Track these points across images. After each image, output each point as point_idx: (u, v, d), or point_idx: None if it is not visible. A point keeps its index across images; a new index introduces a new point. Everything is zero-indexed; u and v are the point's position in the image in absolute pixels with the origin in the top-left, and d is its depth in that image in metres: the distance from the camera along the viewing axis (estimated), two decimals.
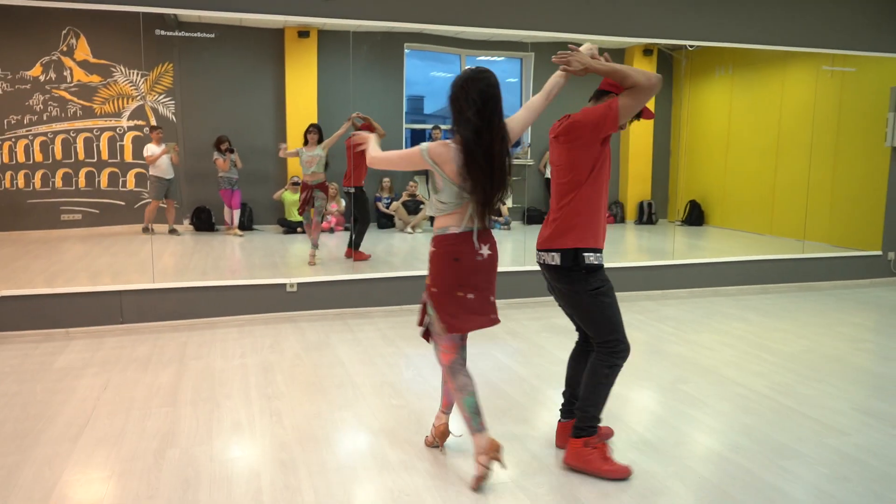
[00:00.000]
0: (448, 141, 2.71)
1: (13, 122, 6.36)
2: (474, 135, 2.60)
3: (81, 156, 6.53)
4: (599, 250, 2.77)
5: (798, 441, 3.18)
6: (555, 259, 2.76)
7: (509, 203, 7.89)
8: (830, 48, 6.57)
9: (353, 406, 3.56)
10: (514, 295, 5.88)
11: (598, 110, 2.65)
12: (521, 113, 2.81)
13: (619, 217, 8.28)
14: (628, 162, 8.21)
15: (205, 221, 6.92)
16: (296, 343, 4.70)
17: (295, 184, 7.00)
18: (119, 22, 5.58)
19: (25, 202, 6.45)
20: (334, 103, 6.82)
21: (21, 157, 6.40)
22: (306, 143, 6.35)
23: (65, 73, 6.38)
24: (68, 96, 6.42)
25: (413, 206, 7.76)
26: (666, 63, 7.75)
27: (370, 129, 6.40)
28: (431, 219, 2.86)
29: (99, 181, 6.59)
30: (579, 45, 2.83)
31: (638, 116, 2.79)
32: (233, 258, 6.69)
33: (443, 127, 7.57)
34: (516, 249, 6.89)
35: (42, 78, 6.35)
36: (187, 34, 6.39)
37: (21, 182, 6.42)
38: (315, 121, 6.63)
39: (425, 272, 2.86)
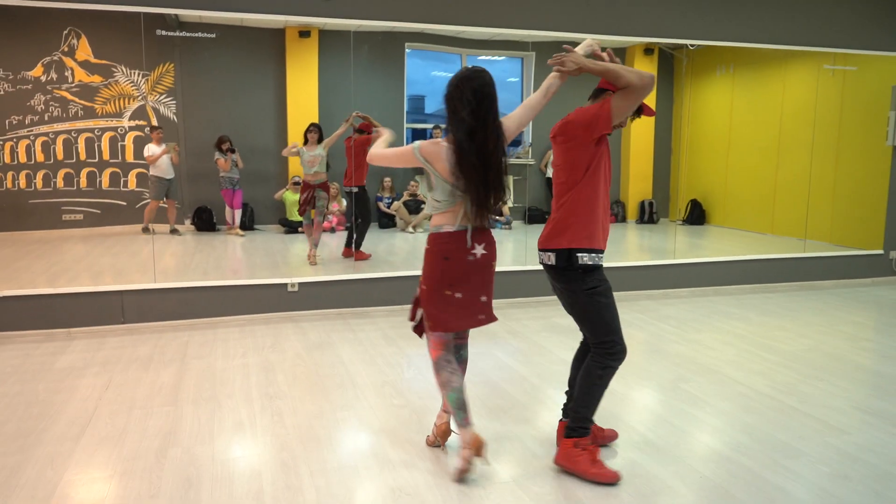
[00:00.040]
0: (440, 139, 2.74)
1: (14, 122, 6.36)
2: (467, 134, 2.63)
3: (83, 156, 6.53)
4: (596, 250, 2.74)
5: (799, 440, 3.18)
6: (551, 259, 2.78)
7: (510, 202, 7.89)
8: (831, 47, 6.56)
9: (355, 406, 3.56)
10: (515, 294, 5.88)
11: (591, 110, 2.65)
12: (517, 111, 2.81)
13: (620, 216, 8.27)
14: (629, 161, 8.21)
15: (206, 221, 6.92)
16: (297, 343, 4.70)
17: (296, 184, 7.00)
18: (120, 22, 5.58)
19: (27, 202, 6.45)
20: (335, 103, 6.82)
21: (22, 158, 6.40)
22: (306, 142, 6.35)
23: (66, 74, 6.38)
24: (69, 96, 6.42)
25: (414, 206, 7.76)
26: (667, 62, 7.74)
27: (369, 127, 6.41)
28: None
29: (100, 181, 6.59)
30: (579, 45, 2.84)
31: (639, 113, 2.79)
32: (234, 258, 6.70)
33: (443, 126, 7.57)
34: (517, 249, 6.89)
35: (43, 78, 6.36)
36: (188, 34, 6.39)
37: (23, 182, 6.42)
38: (316, 120, 6.63)
39: None
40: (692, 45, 6.46)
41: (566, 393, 3.09)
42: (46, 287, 5.02)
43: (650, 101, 2.74)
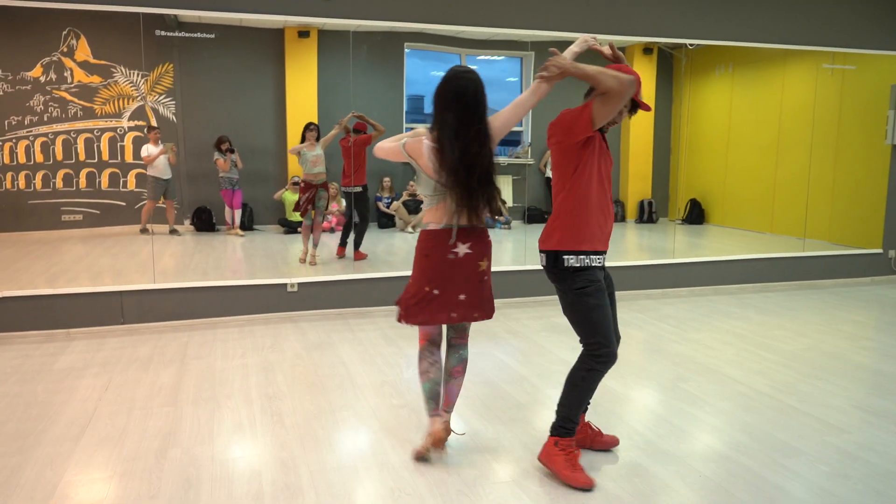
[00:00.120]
0: (423, 136, 2.79)
1: (14, 122, 6.36)
2: (451, 135, 2.67)
3: (82, 156, 6.53)
4: (586, 252, 2.71)
5: (799, 439, 3.18)
6: (543, 260, 2.81)
7: (510, 202, 7.89)
8: (831, 46, 6.56)
9: (354, 406, 3.56)
10: (515, 294, 5.88)
11: (572, 114, 2.65)
12: (505, 111, 2.81)
13: (619, 216, 8.27)
14: (629, 160, 8.21)
15: (205, 222, 6.92)
16: (296, 343, 4.70)
17: (295, 184, 7.00)
18: (119, 22, 5.58)
19: (26, 203, 6.45)
20: (334, 103, 6.81)
21: (22, 158, 6.40)
22: (303, 140, 6.33)
23: (65, 74, 6.38)
24: (69, 97, 6.42)
25: (413, 206, 7.76)
26: (666, 62, 7.75)
27: (364, 127, 6.41)
28: None
29: (100, 182, 6.59)
30: (574, 42, 2.84)
31: (635, 109, 2.77)
32: (233, 258, 6.70)
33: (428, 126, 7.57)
34: (517, 249, 6.89)
35: (42, 79, 6.35)
36: (187, 34, 6.39)
37: (22, 183, 6.42)
38: (315, 120, 6.63)
39: None
40: (691, 45, 6.46)
41: None
42: (46, 288, 5.02)
43: (647, 98, 2.74)
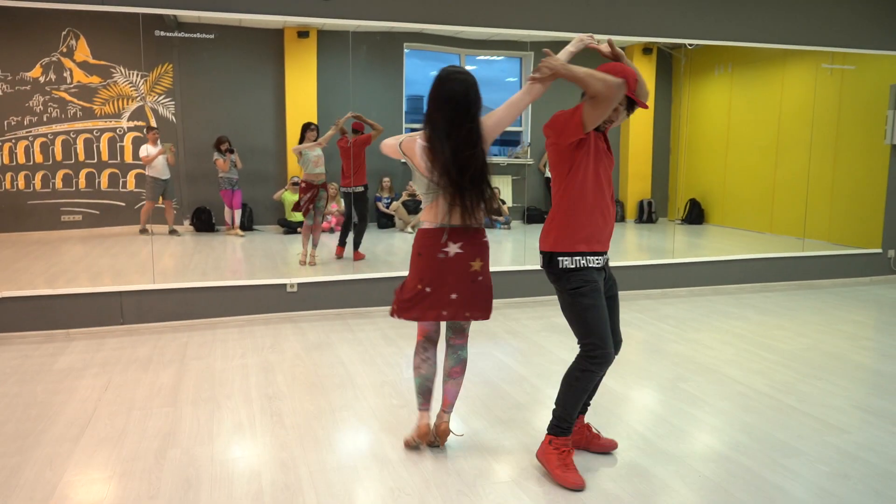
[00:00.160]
0: (417, 135, 2.82)
1: (13, 123, 6.36)
2: (442, 134, 2.70)
3: (81, 157, 6.53)
4: (581, 253, 2.70)
5: (798, 439, 3.18)
6: (541, 260, 2.83)
7: (509, 202, 7.89)
8: (830, 46, 6.57)
9: (354, 406, 3.56)
10: (514, 294, 5.88)
11: (564, 116, 2.65)
12: (499, 110, 2.81)
13: (618, 216, 8.27)
14: (628, 160, 8.21)
15: (205, 222, 6.92)
16: (296, 343, 4.70)
17: (295, 184, 7.00)
18: (119, 23, 5.58)
19: (26, 203, 6.45)
20: (334, 103, 6.81)
21: (21, 159, 6.40)
22: (302, 140, 6.33)
23: (65, 75, 6.38)
24: (68, 97, 6.42)
25: (413, 206, 7.76)
26: (665, 62, 7.75)
27: (362, 126, 6.41)
28: None
29: (99, 182, 6.59)
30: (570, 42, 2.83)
31: (633, 107, 2.75)
32: (233, 258, 6.70)
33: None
34: (516, 249, 6.90)
35: (42, 79, 6.35)
36: (187, 35, 6.39)
37: (21, 183, 6.42)
38: (315, 120, 6.63)
39: None
40: (691, 45, 6.46)
41: None
42: (45, 288, 5.02)
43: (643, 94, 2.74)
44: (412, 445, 3.05)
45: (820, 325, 5.29)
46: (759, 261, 6.68)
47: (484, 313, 2.93)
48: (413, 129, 7.91)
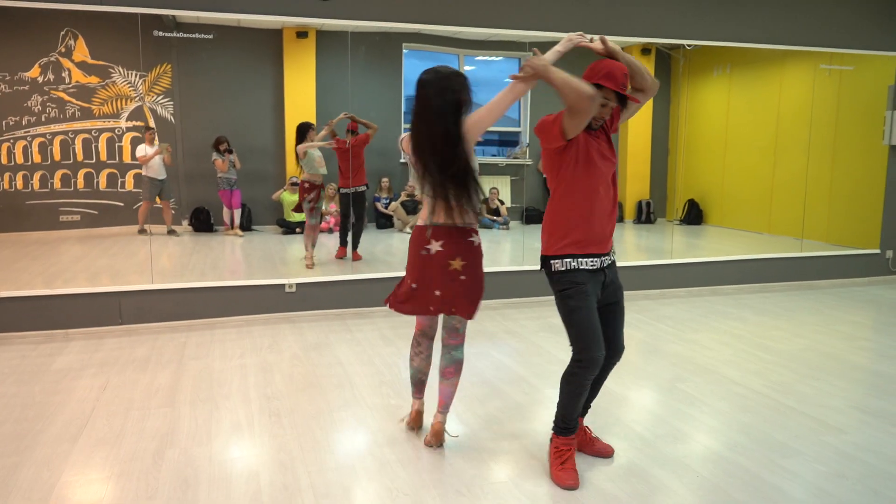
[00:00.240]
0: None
1: (11, 123, 6.36)
2: (423, 135, 2.74)
3: (80, 157, 6.53)
4: (572, 255, 2.69)
5: (796, 439, 3.19)
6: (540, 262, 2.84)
7: (508, 203, 7.89)
8: (829, 47, 6.57)
9: (352, 406, 3.56)
10: (513, 294, 5.88)
11: (547, 122, 2.64)
12: (481, 109, 2.79)
13: (617, 216, 8.28)
14: (626, 161, 8.22)
15: (203, 222, 6.92)
16: (294, 343, 4.70)
17: (294, 184, 7.00)
18: (117, 23, 5.58)
19: (24, 203, 6.45)
20: (333, 103, 6.81)
21: (19, 159, 6.40)
22: (302, 140, 6.32)
23: (63, 75, 6.38)
24: (66, 97, 6.42)
25: (412, 206, 7.76)
26: (664, 62, 7.76)
27: (356, 127, 6.42)
28: None
29: (97, 182, 6.59)
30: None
31: (624, 103, 2.73)
32: (231, 259, 6.70)
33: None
34: (515, 249, 6.90)
35: (40, 79, 6.35)
36: (185, 35, 6.38)
37: (20, 183, 6.42)
38: (314, 121, 6.63)
39: None
40: (689, 46, 6.47)
41: None
42: (44, 288, 5.01)
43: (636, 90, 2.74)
44: (410, 427, 3.24)
45: (818, 325, 5.30)
46: (757, 261, 6.69)
47: (466, 312, 2.90)
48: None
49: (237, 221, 6.95)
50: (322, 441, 3.13)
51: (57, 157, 6.48)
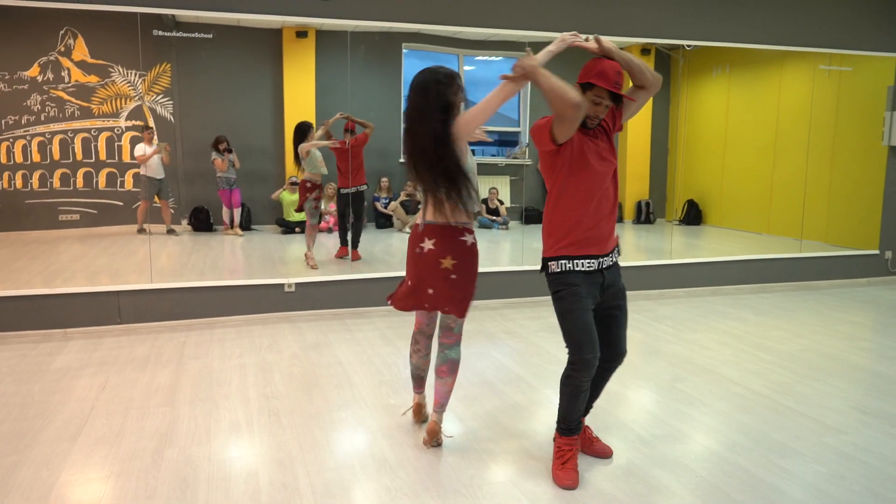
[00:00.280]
0: None
1: (11, 122, 6.35)
2: (410, 134, 2.79)
3: (79, 156, 6.52)
4: (567, 257, 2.69)
5: (796, 440, 3.19)
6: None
7: (508, 203, 7.89)
8: (828, 47, 6.58)
9: (351, 406, 3.56)
10: (512, 294, 5.88)
11: (539, 126, 2.64)
12: (472, 108, 2.77)
13: (616, 216, 8.28)
14: (626, 161, 8.22)
15: (203, 222, 6.91)
16: (294, 343, 4.70)
17: (293, 184, 7.00)
18: (117, 22, 5.57)
19: (23, 203, 6.44)
20: (332, 103, 6.81)
21: (19, 158, 6.39)
22: (303, 140, 6.33)
23: (62, 74, 6.37)
24: (66, 97, 6.41)
25: (411, 206, 7.76)
26: (663, 62, 7.75)
27: (353, 126, 6.42)
28: None
29: (97, 181, 6.58)
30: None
31: (619, 101, 2.69)
32: (231, 258, 6.69)
33: None
34: (514, 249, 6.89)
35: (40, 78, 6.34)
36: (185, 34, 6.38)
37: (19, 182, 6.41)
38: (313, 121, 6.63)
39: None
40: (689, 46, 6.47)
41: None
42: (43, 287, 5.01)
43: (630, 87, 2.75)
44: (414, 421, 3.33)
45: (817, 325, 5.30)
46: (756, 262, 6.69)
47: (456, 311, 2.91)
48: None
49: (237, 220, 6.94)
50: (321, 441, 3.13)
51: (56, 156, 6.47)
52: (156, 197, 6.62)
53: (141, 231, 6.57)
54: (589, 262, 2.70)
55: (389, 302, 3.09)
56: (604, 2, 5.88)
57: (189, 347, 4.58)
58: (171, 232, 6.76)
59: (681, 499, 2.65)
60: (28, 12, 5.21)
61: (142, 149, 6.48)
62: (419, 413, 3.30)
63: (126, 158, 6.63)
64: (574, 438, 2.81)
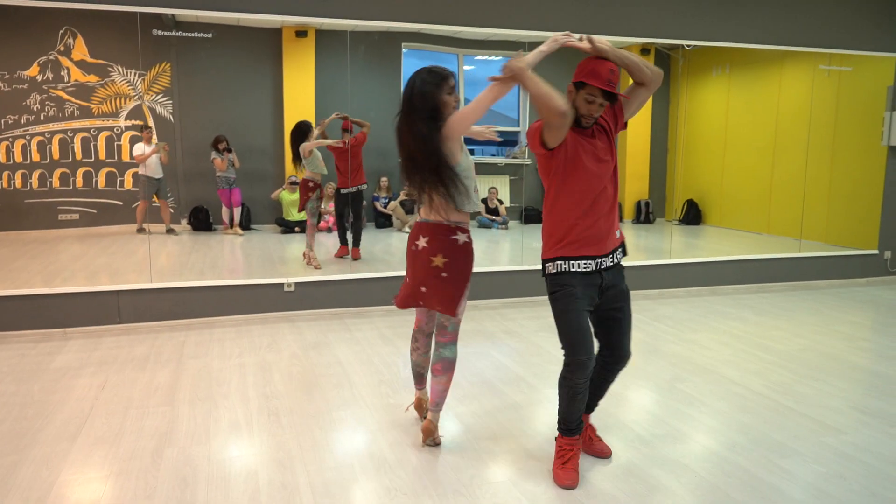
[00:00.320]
0: None
1: (10, 122, 6.34)
2: (402, 130, 2.80)
3: (79, 156, 6.52)
4: (564, 258, 2.68)
5: (795, 440, 3.19)
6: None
7: (507, 202, 7.89)
8: (828, 47, 6.58)
9: (351, 405, 3.56)
10: (511, 294, 5.88)
11: (532, 130, 2.64)
12: (463, 108, 2.76)
13: (616, 215, 8.27)
14: (625, 161, 8.22)
15: (202, 221, 6.91)
16: (293, 342, 4.70)
17: (293, 183, 7.00)
18: (116, 22, 5.57)
19: (23, 202, 6.43)
20: (332, 103, 6.81)
21: (18, 157, 6.39)
22: (302, 140, 6.33)
23: (62, 73, 6.37)
24: (65, 96, 6.41)
25: (410, 206, 7.76)
26: (663, 62, 7.76)
27: (350, 126, 6.42)
28: None
29: (96, 181, 6.58)
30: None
31: (613, 99, 2.65)
32: (230, 258, 6.69)
33: None
34: (513, 249, 6.89)
35: (39, 78, 6.34)
36: (184, 34, 6.38)
37: (18, 182, 6.41)
38: (313, 120, 6.63)
39: None
40: (688, 46, 6.47)
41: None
42: (42, 287, 5.01)
43: (630, 87, 2.75)
44: (419, 416, 3.35)
45: (817, 325, 5.30)
46: (756, 261, 6.69)
47: (446, 309, 2.91)
48: None
49: (237, 219, 6.94)
50: (321, 440, 3.13)
51: (56, 155, 6.47)
52: (155, 196, 6.62)
53: (140, 231, 6.57)
54: (585, 263, 2.68)
55: (394, 301, 3.13)
56: (604, 2, 5.88)
57: (188, 347, 4.57)
58: (170, 231, 6.76)
59: (681, 499, 2.65)
60: (28, 12, 5.20)
61: (140, 148, 6.47)
62: (421, 407, 3.33)
63: (125, 158, 6.63)
64: (575, 438, 2.81)
